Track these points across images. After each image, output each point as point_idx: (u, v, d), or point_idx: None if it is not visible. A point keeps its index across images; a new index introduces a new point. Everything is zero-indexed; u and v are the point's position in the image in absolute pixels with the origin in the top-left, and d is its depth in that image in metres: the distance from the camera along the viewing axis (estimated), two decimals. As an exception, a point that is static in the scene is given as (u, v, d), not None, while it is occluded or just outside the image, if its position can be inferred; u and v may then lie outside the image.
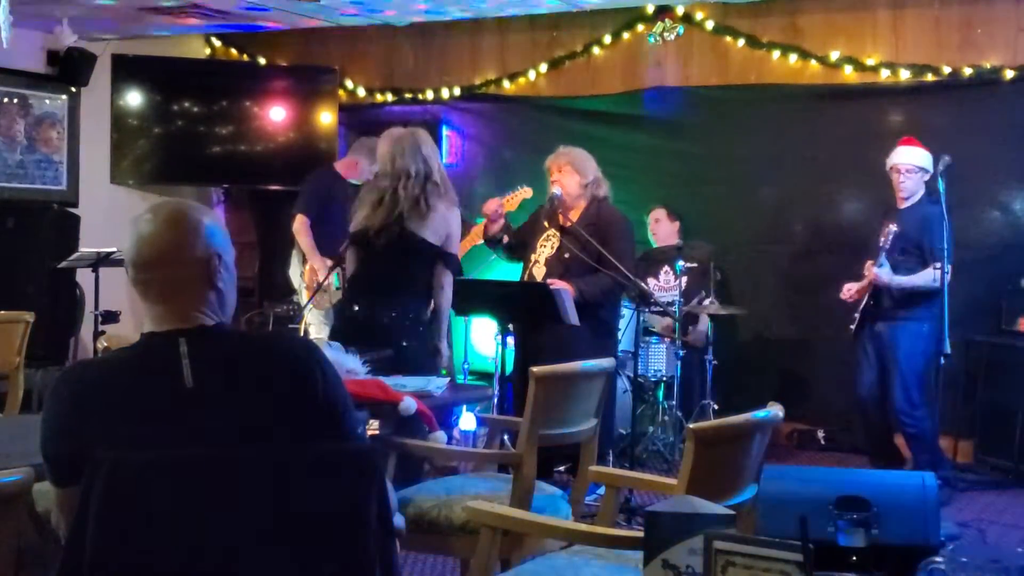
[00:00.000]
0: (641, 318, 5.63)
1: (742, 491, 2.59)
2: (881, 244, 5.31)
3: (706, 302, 6.30)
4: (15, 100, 7.57)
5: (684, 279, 6.21)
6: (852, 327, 5.62)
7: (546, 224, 5.32)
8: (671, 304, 6.00)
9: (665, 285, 6.48)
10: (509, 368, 4.81)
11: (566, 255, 5.17)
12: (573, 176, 5.21)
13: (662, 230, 6.75)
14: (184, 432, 1.90)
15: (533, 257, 5.32)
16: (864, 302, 5.51)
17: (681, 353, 6.04)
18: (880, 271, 5.31)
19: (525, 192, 5.67)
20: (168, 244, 2.01)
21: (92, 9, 6.91)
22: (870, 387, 5.56)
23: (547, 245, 5.29)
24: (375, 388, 3.33)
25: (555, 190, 5.21)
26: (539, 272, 5.24)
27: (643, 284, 5.23)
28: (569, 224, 5.18)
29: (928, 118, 6.29)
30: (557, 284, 4.97)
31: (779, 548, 1.55)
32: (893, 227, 5.31)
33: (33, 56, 7.51)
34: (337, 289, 5.72)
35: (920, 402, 5.43)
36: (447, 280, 4.46)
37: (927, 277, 5.30)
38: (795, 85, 6.73)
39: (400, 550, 2.29)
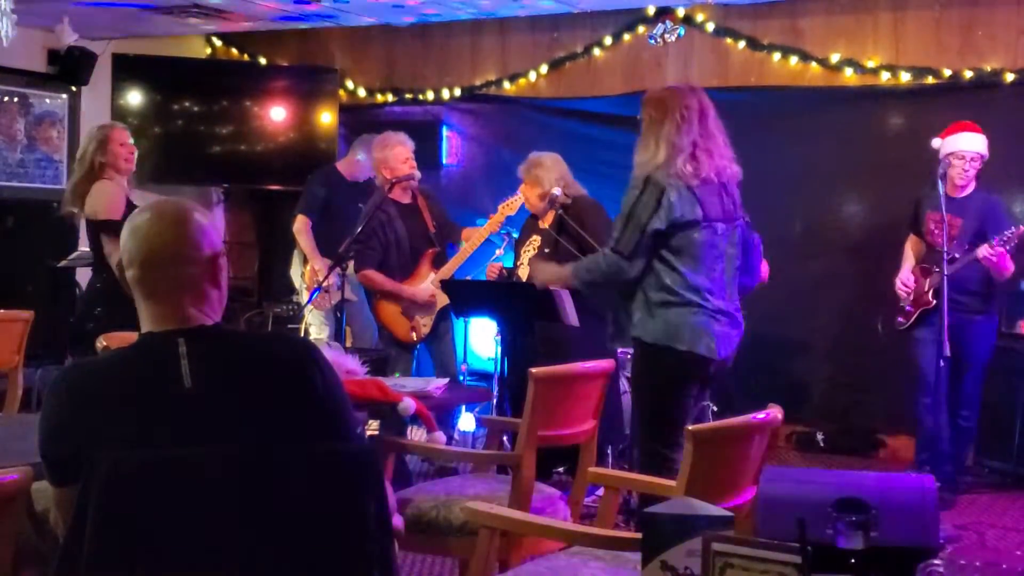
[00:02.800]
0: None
1: (741, 493, 2.59)
2: (956, 236, 5.21)
3: None
4: (15, 99, 7.57)
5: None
6: (901, 320, 5.57)
7: (530, 230, 5.49)
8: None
9: None
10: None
11: (546, 250, 5.26)
12: (533, 188, 5.33)
13: None
14: (182, 432, 1.90)
15: (519, 263, 5.46)
16: (920, 297, 5.45)
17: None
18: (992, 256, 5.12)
19: (520, 198, 5.68)
20: (178, 243, 2.01)
21: (93, 8, 6.91)
22: (942, 367, 5.27)
23: (530, 249, 5.43)
24: (374, 388, 3.33)
25: (555, 191, 5.27)
26: (524, 273, 5.34)
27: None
28: (544, 225, 5.32)
29: (928, 121, 6.28)
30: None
31: (777, 550, 1.55)
32: (953, 218, 5.21)
33: (33, 55, 7.51)
34: (338, 290, 5.72)
35: (980, 397, 5.44)
36: (112, 246, 4.99)
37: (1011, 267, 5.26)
38: (796, 87, 6.73)
39: (399, 551, 2.29)
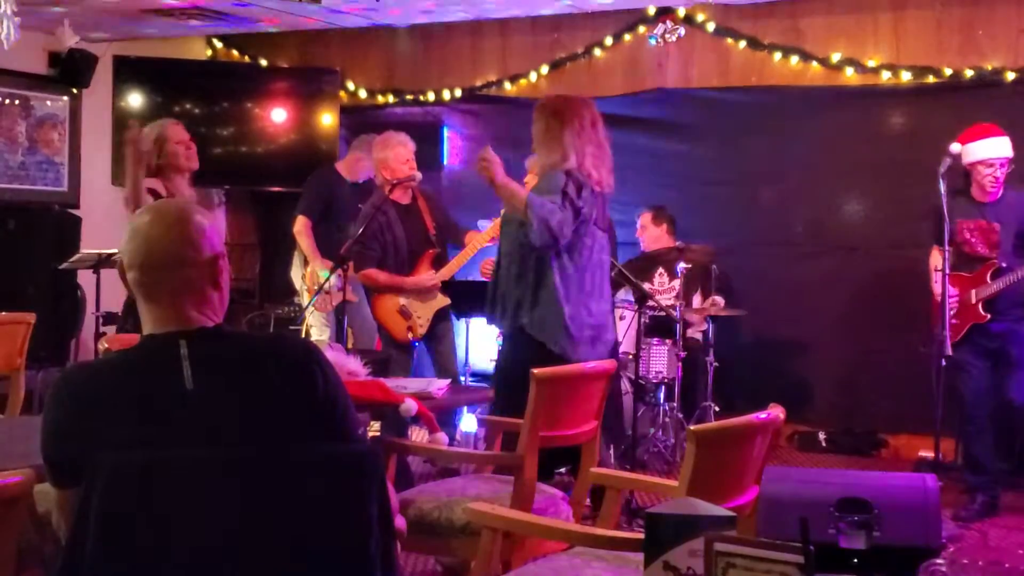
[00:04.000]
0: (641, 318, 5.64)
1: (743, 493, 2.59)
2: (998, 243, 5.09)
3: (717, 299, 6.26)
4: (16, 101, 7.57)
5: (678, 281, 6.19)
6: (947, 335, 4.99)
7: None
8: (672, 307, 6.00)
9: (659, 288, 6.46)
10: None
11: None
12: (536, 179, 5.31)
13: (648, 235, 6.67)
14: (184, 434, 1.90)
15: None
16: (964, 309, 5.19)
17: (682, 355, 6.04)
18: None
19: None
20: (179, 246, 2.01)
21: (94, 9, 6.91)
22: (987, 393, 5.26)
23: None
24: (376, 390, 3.33)
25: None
26: None
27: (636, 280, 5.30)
28: None
29: (929, 120, 6.29)
30: None
31: (780, 550, 1.55)
32: (990, 224, 5.11)
33: (34, 57, 7.52)
34: (339, 291, 5.72)
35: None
36: None
37: None
38: (796, 87, 6.73)
39: (401, 551, 2.29)
